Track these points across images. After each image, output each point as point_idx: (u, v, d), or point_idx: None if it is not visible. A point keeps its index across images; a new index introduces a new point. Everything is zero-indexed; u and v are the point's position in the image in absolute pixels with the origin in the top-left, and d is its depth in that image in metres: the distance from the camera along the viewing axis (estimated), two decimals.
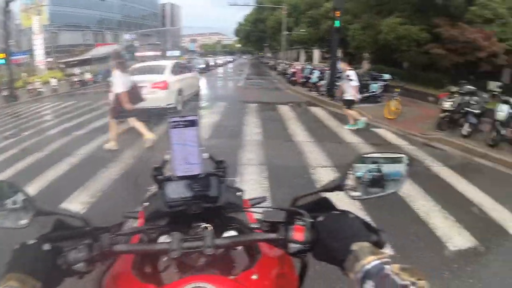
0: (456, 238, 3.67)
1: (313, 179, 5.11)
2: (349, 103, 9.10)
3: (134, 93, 6.98)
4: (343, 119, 9.52)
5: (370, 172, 0.90)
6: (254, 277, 0.86)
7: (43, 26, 51.38)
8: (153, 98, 9.35)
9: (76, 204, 4.40)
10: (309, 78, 16.98)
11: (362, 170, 0.89)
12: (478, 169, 6.32)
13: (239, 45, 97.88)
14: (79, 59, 46.50)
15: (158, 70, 10.77)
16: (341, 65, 10.02)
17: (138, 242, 1.00)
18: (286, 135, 8.23)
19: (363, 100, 12.69)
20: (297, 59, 41.52)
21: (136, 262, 0.96)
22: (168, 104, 10.11)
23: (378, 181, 0.90)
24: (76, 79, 24.82)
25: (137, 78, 9.06)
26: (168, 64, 11.50)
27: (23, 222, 0.85)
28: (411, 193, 4.71)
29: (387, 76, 13.61)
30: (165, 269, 0.97)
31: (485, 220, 4.17)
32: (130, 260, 0.96)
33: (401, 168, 0.92)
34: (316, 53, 34.40)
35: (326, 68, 16.25)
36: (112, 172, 5.72)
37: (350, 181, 0.89)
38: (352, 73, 8.94)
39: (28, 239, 0.79)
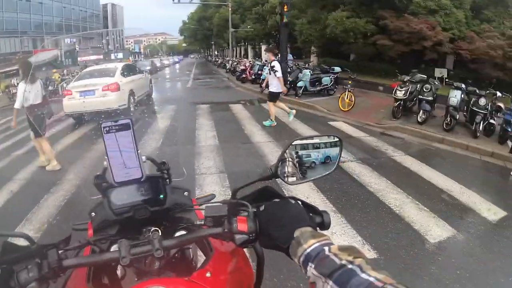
0: (434, 229, 3.64)
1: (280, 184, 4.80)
2: (274, 96, 8.54)
3: (43, 107, 6.15)
4: (298, 115, 9.27)
5: (303, 157, 0.93)
6: (208, 275, 0.86)
7: None
8: (105, 100, 9.65)
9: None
10: (260, 74, 16.75)
11: (296, 155, 0.92)
12: (438, 154, 6.43)
13: (184, 45, 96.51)
14: (15, 68, 43.72)
15: (109, 73, 10.83)
16: (268, 56, 9.50)
17: (89, 254, 0.96)
18: (243, 136, 7.83)
19: (316, 94, 12.74)
20: (245, 56, 41.44)
21: (90, 275, 0.94)
22: (120, 105, 10.08)
23: (313, 164, 0.94)
24: (14, 91, 22.76)
25: (87, 81, 9.96)
26: (118, 66, 11.61)
27: None
28: (380, 187, 4.62)
29: (337, 69, 13.52)
30: (123, 277, 1.00)
31: (456, 206, 4.20)
32: (84, 273, 0.94)
33: (333, 149, 0.95)
34: (264, 49, 34.43)
35: None
36: (57, 197, 4.85)
37: (285, 168, 0.90)
38: (276, 64, 8.36)
39: None
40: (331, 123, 8.97)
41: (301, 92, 12.53)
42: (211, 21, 48.14)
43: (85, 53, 65.19)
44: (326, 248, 0.65)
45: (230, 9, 33.30)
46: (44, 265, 0.78)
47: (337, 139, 0.96)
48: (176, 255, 0.99)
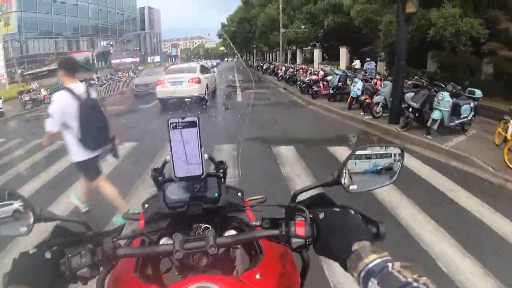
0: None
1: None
2: None
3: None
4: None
5: (365, 166, 0.92)
6: (257, 276, 0.86)
7: (9, 35, 46.36)
8: (190, 89, 13.18)
9: None
10: (341, 88, 12.43)
11: (357, 164, 0.91)
12: None
13: (222, 48, 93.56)
14: (45, 69, 40.70)
15: (190, 70, 14.40)
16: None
17: (140, 245, 0.99)
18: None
19: (451, 131, 7.78)
20: (292, 61, 36.84)
21: (138, 265, 0.96)
22: (200, 94, 13.37)
23: (373, 174, 0.92)
24: (27, 98, 18.42)
25: (176, 75, 13.78)
26: (197, 65, 15.44)
27: (23, 229, 0.83)
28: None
29: (478, 93, 8.08)
30: (167, 270, 1.04)
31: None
32: (131, 262, 0.96)
33: (394, 161, 0.93)
34: (317, 53, 29.45)
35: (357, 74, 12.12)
36: None
37: (347, 176, 0.90)
38: None
39: (28, 247, 0.78)
40: None
41: (435, 127, 7.51)
42: (254, 22, 43.45)
43: (120, 55, 62.55)
44: (390, 265, 0.65)
45: (281, 6, 28.62)
46: (98, 252, 0.80)
47: (400, 151, 0.94)
48: (221, 254, 0.97)
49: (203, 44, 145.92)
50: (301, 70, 20.90)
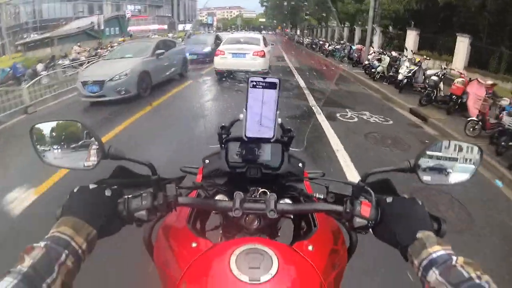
0: None
1: None
2: None
3: None
4: None
5: (442, 159, 0.89)
6: (310, 248, 0.84)
7: None
8: (254, 63, 11.56)
9: None
10: None
11: (434, 156, 0.89)
12: None
13: (262, 20, 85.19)
14: (39, 38, 32.91)
15: (254, 41, 12.68)
16: None
17: (195, 196, 1.01)
18: None
19: None
20: (349, 40, 27.56)
21: (192, 216, 0.98)
22: (263, 69, 11.74)
23: (449, 169, 0.90)
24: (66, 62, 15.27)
25: (239, 46, 12.04)
26: (260, 37, 13.65)
27: (90, 163, 0.83)
28: None
29: None
30: (215, 228, 1.10)
31: None
32: (184, 214, 0.97)
33: (473, 158, 0.91)
34: (412, 37, 18.05)
35: None
36: None
37: (423, 165, 0.87)
38: None
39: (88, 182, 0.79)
40: None
41: None
42: None
43: (142, 21, 54.50)
44: (454, 258, 0.65)
45: None
46: (159, 196, 0.81)
47: (478, 149, 0.90)
48: (272, 220, 0.93)
49: (241, 14, 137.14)
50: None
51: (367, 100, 9.84)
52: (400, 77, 10.47)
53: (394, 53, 13.68)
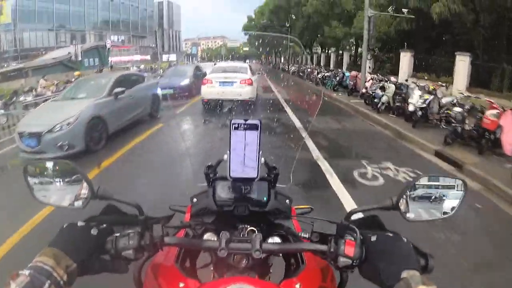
0: None
1: None
2: None
3: None
4: None
5: (424, 195, 0.90)
6: (297, 286, 0.85)
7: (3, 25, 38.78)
8: (241, 91, 11.37)
9: None
10: None
11: (417, 192, 0.89)
12: None
13: (246, 49, 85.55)
14: (13, 68, 30.94)
15: (240, 70, 12.48)
16: None
17: (184, 237, 1.04)
18: None
19: None
20: (326, 65, 26.24)
21: (180, 255, 1.00)
22: (251, 97, 11.61)
23: (432, 204, 0.90)
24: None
25: (225, 74, 11.78)
26: (247, 65, 13.58)
27: (79, 203, 0.86)
28: None
29: None
30: (204, 265, 1.07)
31: None
32: (172, 253, 0.99)
33: (456, 193, 0.91)
34: (407, 59, 16.57)
35: None
36: None
37: (405, 202, 0.88)
38: None
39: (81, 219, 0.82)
40: None
41: None
42: (296, 10, 32.64)
43: (124, 52, 53.17)
44: None
45: None
46: (146, 236, 0.83)
47: (462, 183, 0.91)
48: (261, 258, 0.91)
49: (225, 44, 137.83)
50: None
51: (379, 142, 8.05)
52: (410, 108, 8.81)
53: (393, 79, 12.24)
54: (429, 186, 0.89)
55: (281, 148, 6.38)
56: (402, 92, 9.92)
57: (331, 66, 26.82)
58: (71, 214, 0.83)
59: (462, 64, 12.88)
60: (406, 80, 12.43)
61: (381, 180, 5.30)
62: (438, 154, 6.75)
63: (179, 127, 9.78)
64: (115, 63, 41.49)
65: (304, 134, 8.00)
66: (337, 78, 17.22)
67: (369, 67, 17.31)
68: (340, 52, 27.87)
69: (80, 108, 6.97)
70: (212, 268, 1.01)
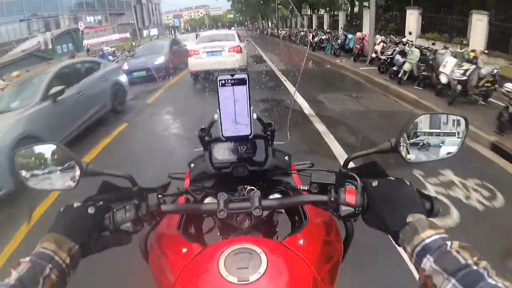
0: None
1: None
2: None
3: None
4: None
5: (426, 134, 0.83)
6: (300, 242, 0.82)
7: None
8: (231, 60, 10.74)
9: None
10: None
11: (417, 132, 0.83)
12: None
13: (230, 16, 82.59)
14: None
15: (228, 37, 11.90)
16: None
17: (184, 202, 1.01)
18: None
19: None
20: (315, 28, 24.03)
21: (182, 222, 0.96)
22: (241, 65, 10.96)
23: (433, 144, 0.84)
24: None
25: (213, 43, 11.19)
26: (234, 32, 12.98)
27: (70, 183, 0.83)
28: None
29: None
30: (209, 230, 1.06)
31: None
32: (175, 220, 0.96)
33: (458, 129, 0.84)
34: (414, 18, 14.64)
35: None
36: None
37: (406, 144, 0.81)
38: None
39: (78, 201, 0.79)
40: None
41: None
42: None
43: (100, 32, 50.19)
44: (449, 243, 0.60)
45: None
46: (142, 207, 0.80)
47: (462, 119, 0.83)
48: (265, 217, 0.92)
49: (209, 13, 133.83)
50: None
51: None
52: (443, 79, 6.80)
53: (404, 39, 10.28)
54: (428, 126, 0.82)
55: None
56: (429, 59, 7.85)
57: (325, 28, 24.43)
58: (72, 194, 0.79)
59: (480, 24, 11.34)
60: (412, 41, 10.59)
61: (455, 215, 3.33)
62: (495, 148, 4.80)
63: (149, 124, 7.52)
64: (91, 45, 38.53)
65: (319, 126, 6.06)
66: (339, 41, 14.88)
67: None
68: (334, 12, 25.54)
69: (1, 130, 4.60)
70: (218, 233, 0.99)
